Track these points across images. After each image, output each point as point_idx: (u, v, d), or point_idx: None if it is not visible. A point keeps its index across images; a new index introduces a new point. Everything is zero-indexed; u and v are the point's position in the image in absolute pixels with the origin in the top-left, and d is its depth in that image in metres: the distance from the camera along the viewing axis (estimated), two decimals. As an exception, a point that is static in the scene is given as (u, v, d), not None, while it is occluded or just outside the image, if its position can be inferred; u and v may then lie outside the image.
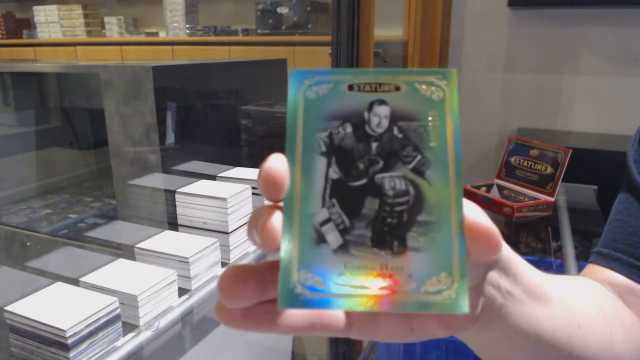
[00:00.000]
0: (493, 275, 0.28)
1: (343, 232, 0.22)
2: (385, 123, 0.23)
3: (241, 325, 0.24)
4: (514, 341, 0.31)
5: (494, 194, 1.16)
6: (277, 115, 1.16)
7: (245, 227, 0.84)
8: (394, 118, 0.23)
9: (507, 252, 0.29)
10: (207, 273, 0.76)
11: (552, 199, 1.07)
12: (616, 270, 0.43)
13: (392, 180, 0.23)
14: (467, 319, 0.28)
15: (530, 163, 1.13)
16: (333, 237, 0.22)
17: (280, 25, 2.98)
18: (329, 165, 0.23)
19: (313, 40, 2.84)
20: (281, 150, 0.23)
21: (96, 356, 0.58)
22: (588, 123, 2.19)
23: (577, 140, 2.12)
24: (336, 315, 0.26)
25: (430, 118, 0.23)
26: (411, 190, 0.23)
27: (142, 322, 0.64)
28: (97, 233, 0.95)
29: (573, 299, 0.36)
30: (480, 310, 0.28)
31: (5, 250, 0.96)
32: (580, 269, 0.49)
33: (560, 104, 2.22)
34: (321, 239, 0.22)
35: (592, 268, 0.46)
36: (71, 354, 0.55)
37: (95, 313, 0.57)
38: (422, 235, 0.22)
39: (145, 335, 0.63)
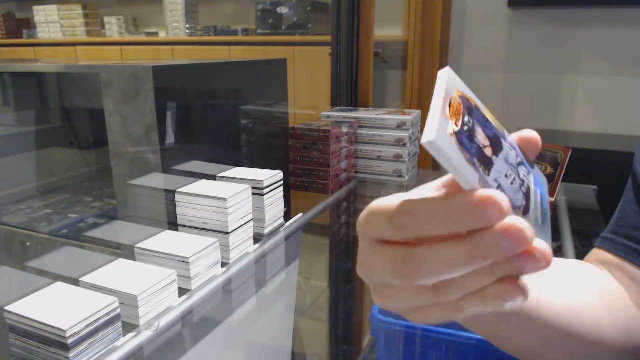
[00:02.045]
0: None
1: None
2: None
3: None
4: (502, 317, 0.35)
5: (494, 194, 1.15)
6: (277, 115, 1.16)
7: (245, 227, 0.84)
8: None
9: None
10: (207, 273, 0.76)
11: (552, 199, 1.07)
12: (607, 250, 0.48)
13: None
14: None
15: (530, 163, 1.13)
16: None
17: (280, 25, 2.98)
18: None
19: (313, 40, 2.84)
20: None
21: (96, 356, 0.58)
22: (588, 123, 2.19)
23: (577, 140, 2.12)
24: None
25: None
26: None
27: (142, 322, 0.64)
28: (97, 233, 0.95)
29: (556, 274, 0.41)
30: None
31: (5, 250, 0.96)
32: (580, 269, 0.51)
33: (560, 104, 2.22)
34: None
35: (593, 251, 0.50)
36: (71, 354, 0.55)
37: (95, 313, 0.57)
38: None
39: (145, 335, 0.63)
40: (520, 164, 0.30)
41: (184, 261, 0.72)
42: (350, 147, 1.32)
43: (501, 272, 0.24)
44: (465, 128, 0.27)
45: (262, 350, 0.73)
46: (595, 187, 1.28)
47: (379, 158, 1.34)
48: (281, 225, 0.96)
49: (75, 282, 0.65)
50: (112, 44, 3.50)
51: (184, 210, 0.82)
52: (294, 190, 1.24)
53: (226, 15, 3.41)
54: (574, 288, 0.42)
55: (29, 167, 1.19)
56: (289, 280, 0.88)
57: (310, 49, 2.78)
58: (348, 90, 1.60)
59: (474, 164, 0.25)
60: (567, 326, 0.38)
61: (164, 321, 0.66)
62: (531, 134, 0.31)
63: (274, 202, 0.92)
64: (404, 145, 1.30)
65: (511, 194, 0.27)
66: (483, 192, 0.23)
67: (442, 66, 2.15)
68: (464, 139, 0.26)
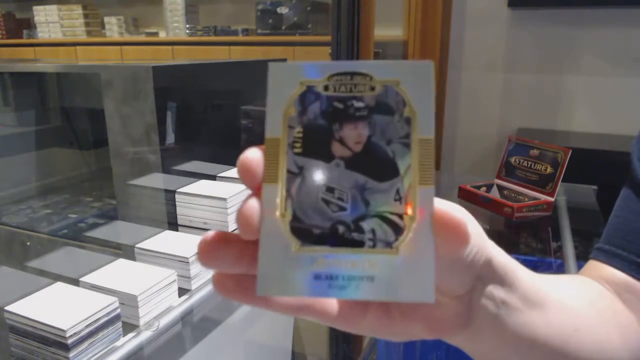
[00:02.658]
0: (486, 287, 0.28)
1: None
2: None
3: (233, 296, 0.24)
4: (509, 347, 0.31)
5: (494, 194, 1.16)
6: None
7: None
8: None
9: (502, 260, 0.28)
10: (207, 273, 0.76)
11: (552, 199, 1.07)
12: (614, 266, 0.44)
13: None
14: (454, 326, 0.28)
15: (530, 163, 1.13)
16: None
17: (280, 25, 2.98)
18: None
19: (313, 40, 2.84)
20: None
21: (96, 356, 0.58)
22: (588, 123, 2.19)
23: (577, 140, 2.12)
24: (329, 302, 0.26)
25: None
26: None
27: (142, 322, 0.64)
28: (97, 233, 0.95)
29: (570, 301, 0.36)
30: (472, 318, 0.28)
31: (5, 250, 0.96)
32: (580, 269, 0.49)
33: (560, 104, 2.22)
34: None
35: (592, 264, 0.46)
36: (71, 354, 0.55)
37: (95, 313, 0.57)
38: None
39: (145, 335, 0.63)
40: (392, 225, 0.21)
41: (184, 261, 0.72)
42: (350, 147, 1.31)
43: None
44: (336, 103, 0.22)
45: (262, 350, 0.73)
46: (595, 187, 1.28)
47: (379, 158, 1.33)
48: (281, 225, 0.96)
49: (75, 282, 0.65)
50: (112, 44, 3.50)
51: (184, 210, 0.82)
52: (294, 190, 1.24)
53: (226, 15, 3.41)
54: (598, 321, 0.38)
55: (29, 167, 1.19)
56: (289, 280, 0.88)
57: (310, 49, 2.79)
58: (348, 90, 1.60)
59: (290, 126, 0.22)
60: (576, 349, 0.35)
61: (164, 321, 0.66)
62: (450, 216, 0.22)
63: (274, 202, 0.92)
64: (404, 145, 1.30)
65: (302, 200, 0.22)
66: (250, 153, 0.22)
67: (442, 66, 2.15)
68: (314, 99, 0.22)
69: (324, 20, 2.98)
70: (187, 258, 0.71)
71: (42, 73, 1.25)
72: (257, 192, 0.23)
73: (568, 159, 1.06)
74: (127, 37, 3.60)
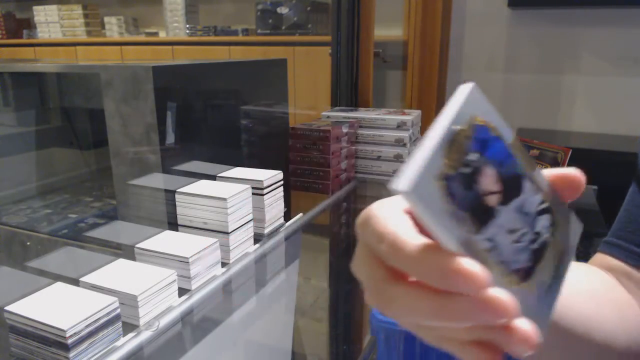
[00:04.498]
0: None
1: None
2: None
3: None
4: None
5: (494, 194, 1.15)
6: (277, 115, 1.16)
7: (245, 227, 0.84)
8: None
9: None
10: (207, 273, 0.76)
11: (552, 199, 1.07)
12: (614, 256, 0.46)
13: None
14: None
15: (530, 163, 1.13)
16: None
17: (280, 25, 2.97)
18: None
19: (313, 40, 2.84)
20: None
21: (96, 356, 0.58)
22: (588, 123, 2.19)
23: (577, 140, 2.12)
24: None
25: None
26: None
27: (142, 322, 0.64)
28: (97, 233, 0.95)
29: (573, 284, 0.38)
30: None
31: (5, 250, 0.96)
32: (580, 269, 0.50)
33: (560, 104, 2.22)
34: None
35: (597, 256, 0.49)
36: (71, 354, 0.55)
37: (95, 313, 0.57)
38: None
39: (145, 335, 0.63)
40: (544, 211, 0.26)
41: (184, 261, 0.72)
42: (350, 147, 1.32)
43: (476, 336, 0.22)
44: (465, 171, 0.22)
45: (262, 350, 0.73)
46: (595, 187, 1.28)
47: (379, 158, 1.34)
48: (281, 225, 0.96)
49: (75, 282, 0.65)
50: (112, 44, 3.50)
51: (184, 210, 0.82)
52: (294, 190, 1.24)
53: (226, 15, 3.41)
54: (589, 295, 0.40)
55: (29, 167, 1.19)
56: (289, 280, 0.88)
57: (310, 49, 2.78)
58: (348, 90, 1.60)
59: (459, 219, 0.21)
60: (582, 335, 0.36)
61: (164, 321, 0.66)
62: (572, 173, 0.27)
63: (274, 202, 0.92)
64: (404, 145, 1.30)
65: (509, 255, 0.23)
66: (459, 263, 0.20)
67: (442, 66, 2.14)
68: (457, 185, 0.22)
69: (324, 20, 2.98)
70: (187, 258, 0.71)
71: (42, 73, 1.24)
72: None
73: (568, 159, 1.06)
74: (127, 37, 3.60)
